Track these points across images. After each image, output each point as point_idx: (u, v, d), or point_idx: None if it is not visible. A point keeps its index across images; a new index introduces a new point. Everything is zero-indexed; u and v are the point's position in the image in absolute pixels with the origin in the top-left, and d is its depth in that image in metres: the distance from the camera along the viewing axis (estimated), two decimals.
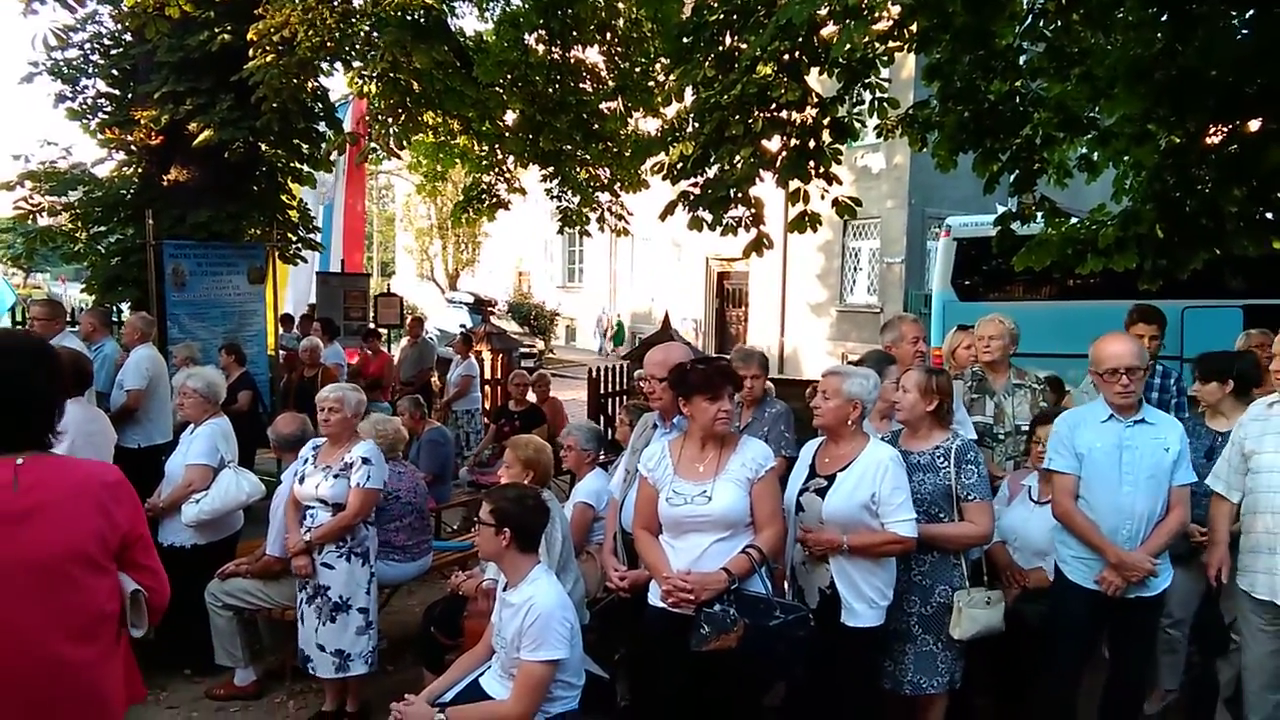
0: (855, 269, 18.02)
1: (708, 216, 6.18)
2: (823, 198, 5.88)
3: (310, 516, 3.93)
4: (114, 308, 8.10)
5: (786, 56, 5.47)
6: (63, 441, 3.84)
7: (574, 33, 8.71)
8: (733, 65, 5.69)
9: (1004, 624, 3.20)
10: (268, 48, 6.50)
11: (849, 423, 3.14)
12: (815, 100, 5.65)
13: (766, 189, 6.24)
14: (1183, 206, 5.26)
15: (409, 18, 6.77)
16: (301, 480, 4.01)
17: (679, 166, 6.39)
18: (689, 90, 6.40)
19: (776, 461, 3.14)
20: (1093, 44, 5.52)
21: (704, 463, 3.02)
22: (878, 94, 6.02)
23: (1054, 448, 3.33)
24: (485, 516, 2.95)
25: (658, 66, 8.98)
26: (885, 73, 6.14)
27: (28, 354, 2.02)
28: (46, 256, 10.46)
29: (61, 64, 8.10)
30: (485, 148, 9.84)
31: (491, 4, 9.14)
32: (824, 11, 4.91)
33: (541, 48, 8.96)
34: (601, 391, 9.35)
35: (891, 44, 5.79)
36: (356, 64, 7.30)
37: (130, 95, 8.18)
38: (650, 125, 9.79)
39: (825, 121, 5.74)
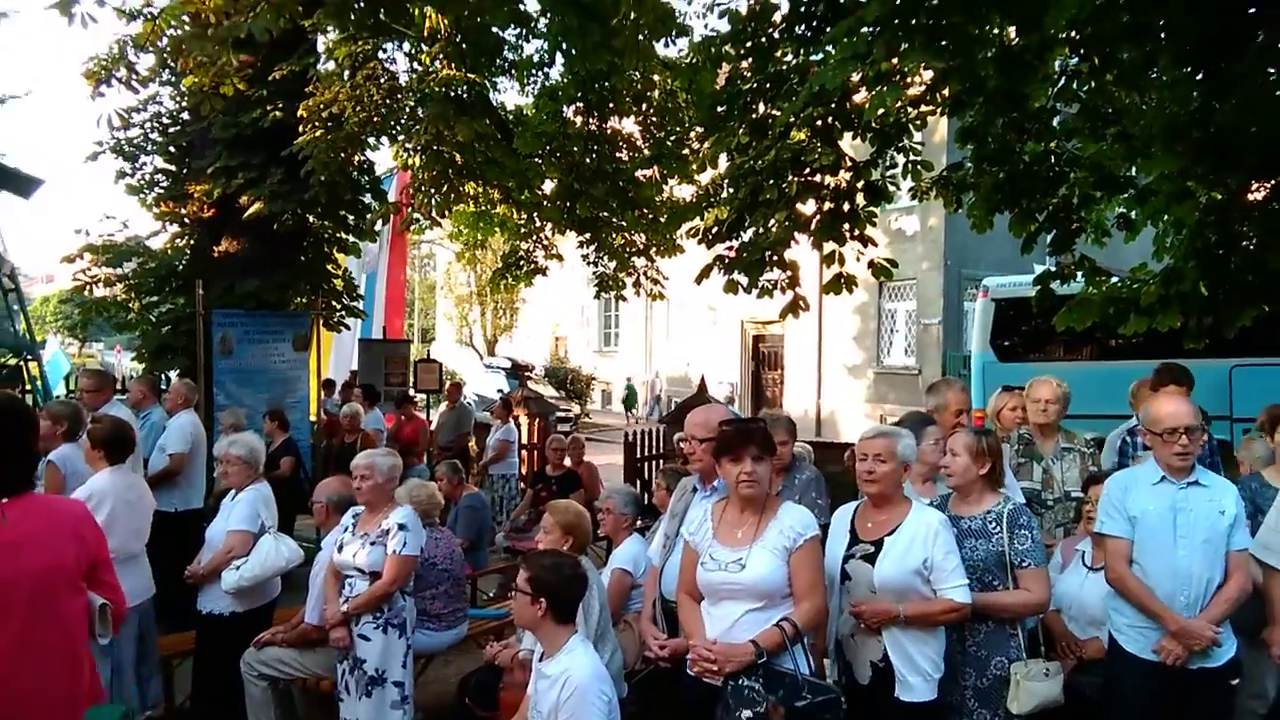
0: (892, 330, 17.91)
1: (743, 280, 6.21)
2: (858, 260, 5.89)
3: (349, 585, 3.90)
4: (163, 376, 8.31)
5: (820, 122, 5.56)
6: (103, 509, 3.92)
7: (610, 104, 8.95)
8: (766, 132, 5.78)
9: (1063, 697, 3.05)
10: (317, 124, 6.76)
11: (900, 486, 3.08)
12: (849, 164, 5.71)
13: (802, 252, 6.27)
14: (1227, 263, 5.18)
15: (452, 93, 7.01)
16: (340, 549, 4.01)
17: (714, 231, 6.45)
18: (723, 157, 6.50)
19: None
20: (1127, 104, 5.53)
21: (743, 528, 2.95)
22: (911, 157, 6.06)
23: (1105, 511, 3.21)
24: (522, 585, 2.89)
25: (692, 135, 9.16)
26: (918, 136, 6.20)
27: (14, 413, 2.36)
28: (101, 326, 10.82)
29: (123, 142, 8.51)
30: (524, 216, 10.07)
31: (532, 79, 9.44)
32: (856, 77, 4.99)
33: (579, 119, 9.22)
34: (638, 455, 9.32)
35: (924, 108, 5.85)
36: (401, 138, 7.55)
37: (185, 171, 8.53)
38: (685, 192, 9.94)
39: (859, 185, 5.79)
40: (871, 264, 5.94)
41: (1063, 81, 5.60)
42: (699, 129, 8.31)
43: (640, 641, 3.60)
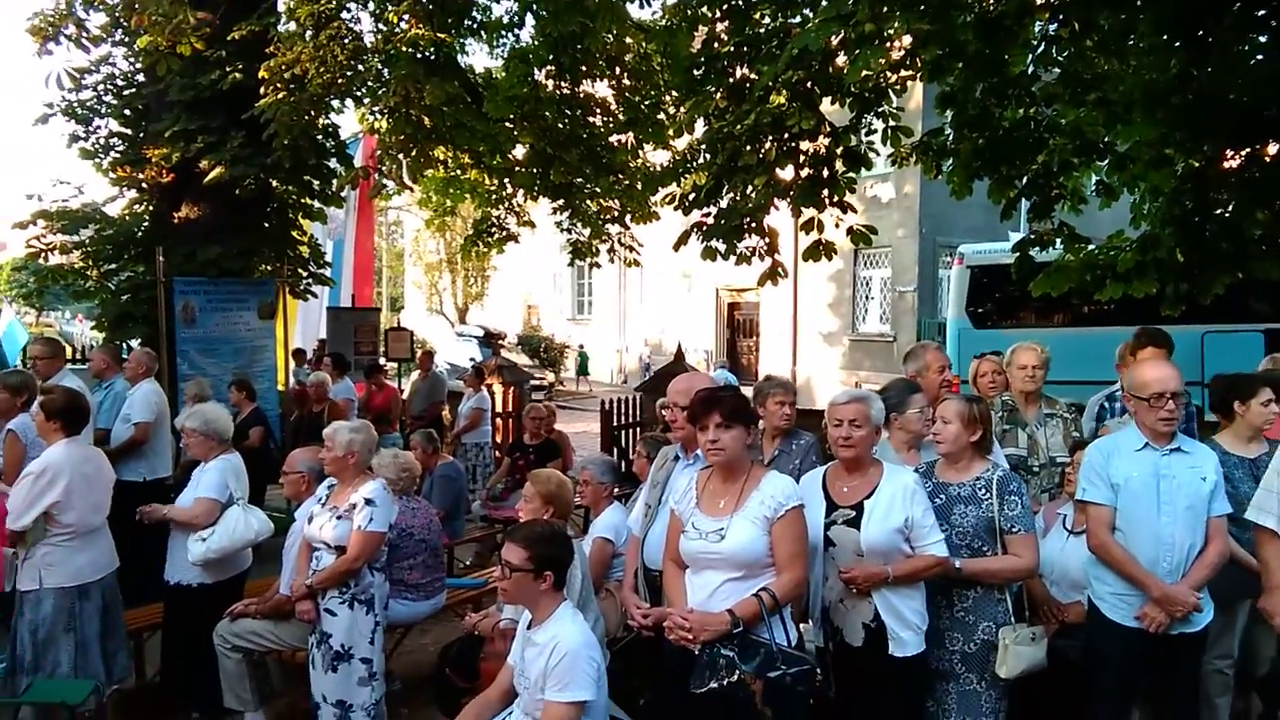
0: (867, 298, 17.98)
1: (721, 247, 6.14)
2: (836, 226, 5.84)
3: (316, 559, 3.82)
4: (124, 345, 8.09)
5: (800, 86, 5.46)
6: (59, 482, 3.80)
7: (583, 67, 8.76)
8: (745, 95, 5.68)
9: (1046, 661, 3.08)
10: (279, 85, 6.53)
11: (873, 450, 3.06)
12: (828, 129, 5.63)
13: (779, 218, 6.20)
14: (1203, 230, 5.20)
15: (419, 54, 6.80)
16: (310, 520, 3.92)
17: (691, 197, 6.37)
18: (700, 121, 6.40)
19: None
20: (1107, 70, 5.50)
21: (725, 498, 2.92)
22: (890, 122, 6.00)
23: (1086, 478, 3.21)
24: (522, 564, 2.80)
25: (668, 99, 9.01)
26: (896, 101, 6.14)
27: None
28: (58, 295, 10.52)
29: (75, 105, 8.18)
30: (495, 182, 9.87)
31: (501, 41, 9.21)
32: (837, 40, 4.90)
33: (551, 83, 9.02)
34: (615, 424, 9.29)
35: (904, 72, 5.78)
36: (366, 100, 7.33)
37: (142, 134, 8.25)
38: (661, 157, 9.81)
39: (838, 150, 5.72)
40: (850, 230, 5.90)
41: (1042, 47, 5.55)
42: (675, 93, 8.18)
43: (622, 609, 3.58)
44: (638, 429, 9.32)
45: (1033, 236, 5.93)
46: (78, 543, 4.02)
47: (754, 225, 6.03)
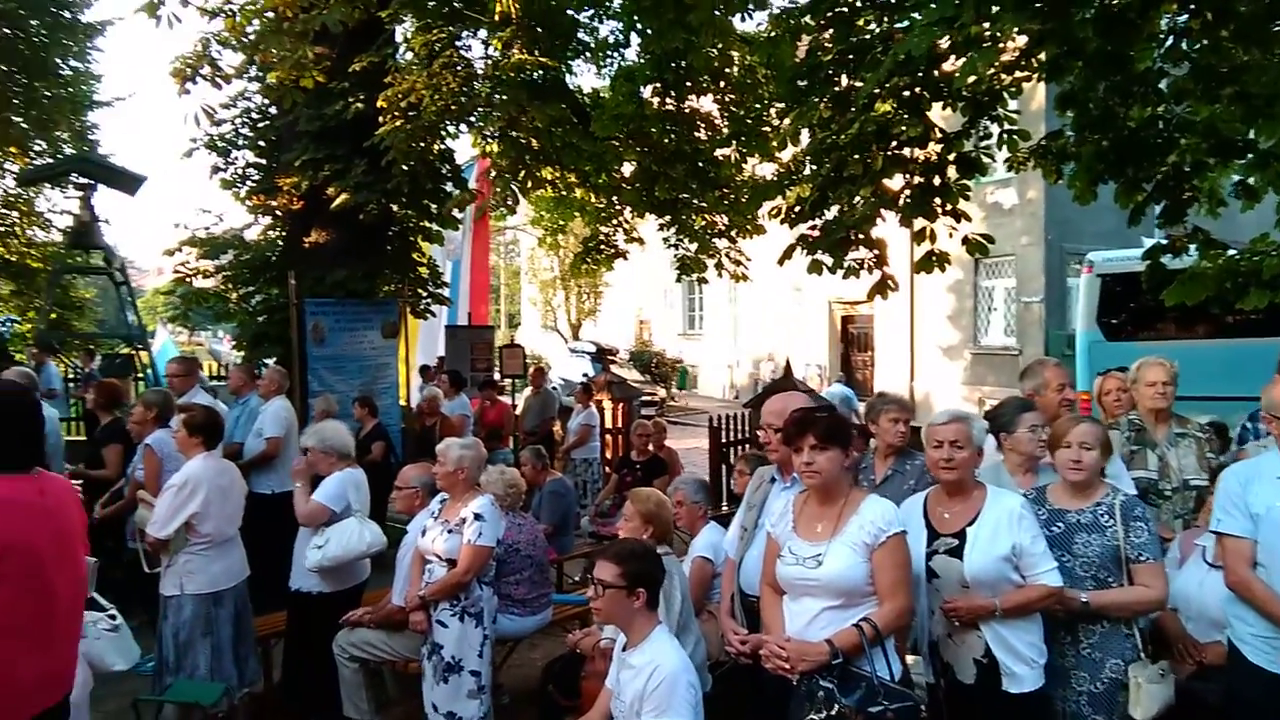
0: (990, 309, 17.20)
1: (827, 260, 6.02)
2: (950, 236, 5.62)
3: (429, 571, 3.95)
4: (261, 363, 8.63)
5: (906, 92, 5.30)
6: (199, 494, 4.06)
7: (688, 83, 8.78)
8: (849, 104, 5.55)
9: (1175, 700, 2.85)
10: (396, 114, 6.84)
11: (975, 473, 2.92)
12: (938, 136, 5.44)
13: (890, 229, 6.02)
14: None
15: (526, 78, 6.99)
16: (424, 533, 4.06)
17: (796, 209, 6.26)
18: (804, 132, 6.29)
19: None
20: (1246, 61, 5.07)
21: (823, 523, 2.83)
22: (1006, 126, 5.74)
23: (1222, 507, 2.92)
24: (614, 580, 2.80)
25: (772, 111, 8.93)
26: (1014, 104, 5.86)
27: (26, 404, 2.70)
28: (204, 316, 11.36)
29: (216, 138, 8.83)
30: (603, 199, 10.02)
31: (608, 61, 9.36)
32: (945, 44, 4.72)
33: (656, 100, 9.09)
34: (723, 440, 9.21)
35: (1019, 74, 5.51)
36: (478, 124, 7.59)
37: (275, 164, 8.79)
38: (766, 170, 9.72)
39: (950, 157, 5.50)
40: (965, 240, 5.66)
41: (1171, 40, 5.17)
42: (779, 104, 8.09)
43: (724, 638, 3.54)
44: (747, 446, 9.22)
45: (1164, 242, 5.53)
46: (214, 552, 4.30)
47: (861, 237, 5.88)
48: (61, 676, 2.66)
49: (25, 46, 13.67)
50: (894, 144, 5.41)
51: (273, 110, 8.80)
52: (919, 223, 5.67)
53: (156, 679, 4.22)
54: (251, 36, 6.20)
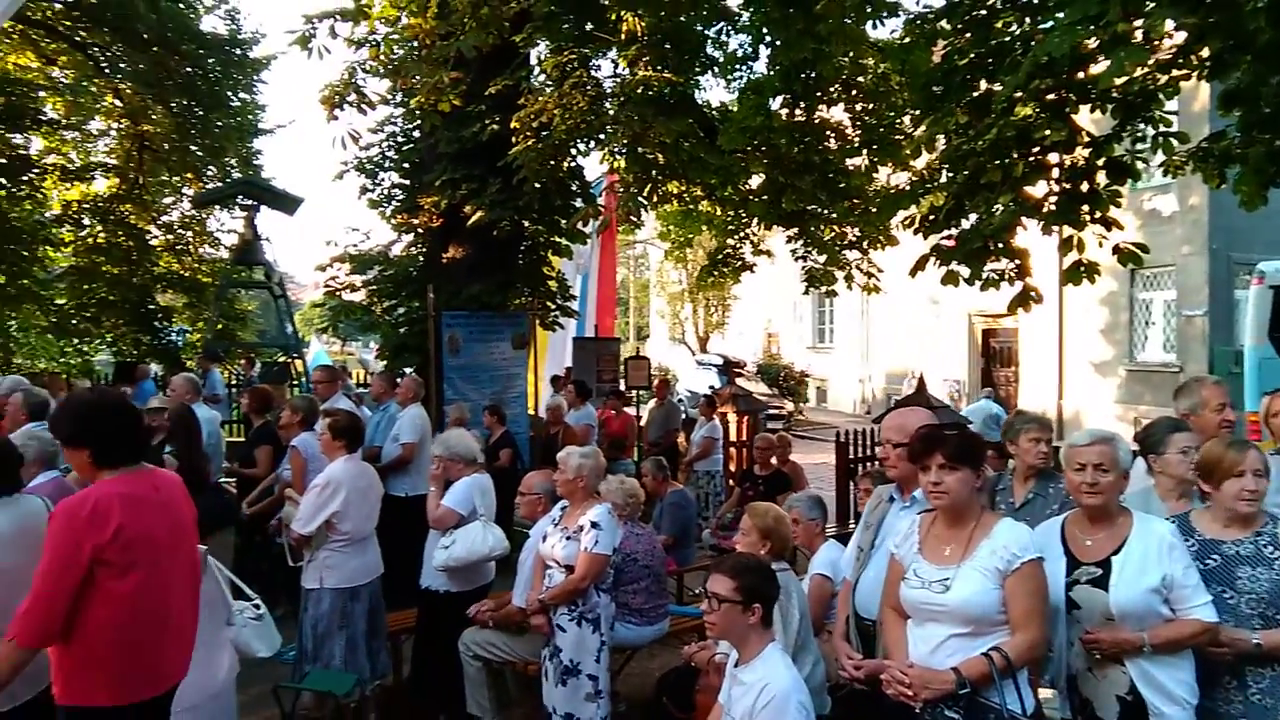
0: (1147, 323, 16.00)
1: (964, 271, 5.76)
2: (1100, 245, 5.27)
3: (548, 576, 4.03)
4: (402, 372, 9.08)
5: (1049, 95, 5.02)
6: (340, 494, 4.29)
7: (817, 93, 8.63)
8: (987, 109, 5.31)
9: None
10: (528, 134, 7.06)
11: (1121, 498, 2.72)
12: (1086, 139, 5.11)
13: (1034, 239, 5.71)
14: None
15: (653, 95, 7.07)
16: (544, 538, 4.15)
17: (930, 218, 6.05)
18: (940, 139, 6.07)
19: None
20: None
21: (951, 545, 2.69)
22: (1162, 128, 5.33)
23: None
24: (729, 594, 2.77)
25: (905, 119, 8.65)
26: (1174, 104, 5.43)
27: (130, 408, 2.93)
28: (352, 326, 12.11)
29: (364, 161, 9.42)
30: (729, 212, 9.98)
31: (737, 75, 9.33)
32: (1091, 43, 4.44)
33: (785, 111, 8.98)
34: (850, 456, 8.96)
35: (1176, 72, 5.11)
36: (605, 141, 7.74)
37: (417, 184, 9.27)
38: (899, 179, 9.42)
39: (1099, 162, 5.16)
40: (1117, 249, 5.30)
41: None
42: (913, 111, 7.82)
43: (838, 662, 3.42)
44: (876, 462, 8.93)
45: None
46: (352, 549, 4.54)
47: (1000, 246, 5.59)
48: (181, 661, 2.88)
49: (203, 83, 15.01)
50: (1036, 149, 5.13)
51: (415, 134, 9.30)
52: (1066, 231, 5.35)
53: (296, 667, 4.48)
54: (394, 64, 6.57)
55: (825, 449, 13.88)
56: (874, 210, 9.11)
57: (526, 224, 8.94)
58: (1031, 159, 5.19)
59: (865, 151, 8.87)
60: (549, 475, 4.53)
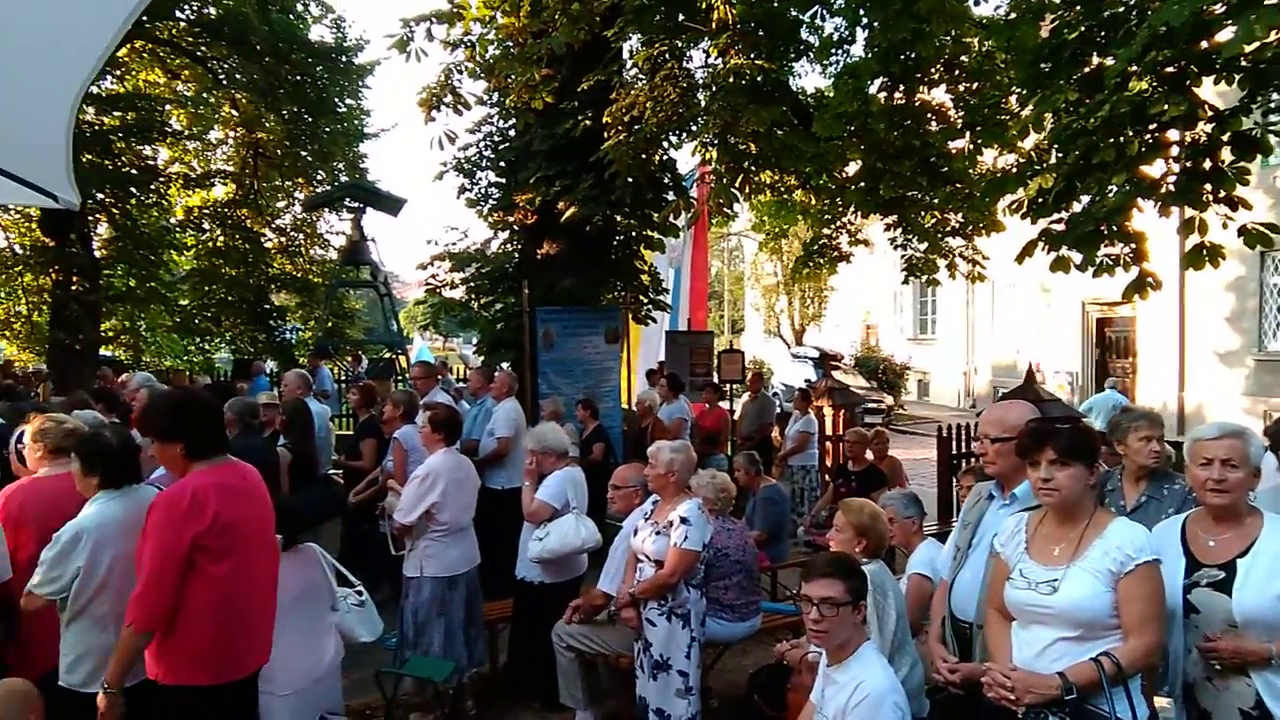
0: (1278, 309, 14.87)
1: (1076, 256, 5.48)
2: (1224, 226, 4.90)
3: (640, 570, 4.04)
4: (498, 366, 9.28)
5: (1168, 67, 4.69)
6: (439, 485, 4.40)
7: (917, 74, 8.34)
8: (1099, 85, 5.02)
9: None
10: (620, 128, 7.08)
11: (1251, 497, 2.52)
12: (1208, 114, 4.76)
13: (1151, 221, 5.37)
14: None
15: (745, 83, 6.96)
16: (636, 532, 4.16)
17: (1039, 202, 5.76)
18: (1048, 118, 5.78)
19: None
20: None
21: (1060, 545, 2.56)
22: None
23: None
24: (841, 595, 2.69)
25: (1012, 99, 8.26)
26: None
27: (211, 405, 3.09)
28: (452, 323, 12.48)
29: (462, 161, 9.65)
30: (825, 201, 9.76)
31: (833, 59, 9.10)
32: (1218, 8, 4.13)
33: (883, 95, 8.71)
34: (953, 451, 8.66)
35: None
36: (697, 132, 7.69)
37: (512, 182, 9.45)
38: (1004, 161, 9.02)
39: (1224, 137, 4.80)
40: (1244, 230, 4.92)
41: None
42: (1019, 90, 7.47)
43: (933, 664, 3.31)
44: (978, 458, 8.59)
45: None
46: (450, 539, 4.67)
47: (1115, 230, 5.28)
48: (264, 644, 3.03)
49: (311, 90, 15.72)
50: (1153, 126, 4.81)
51: (510, 133, 9.48)
52: (1187, 212, 5.00)
53: (397, 653, 4.64)
54: (489, 63, 6.69)
55: (926, 444, 13.46)
56: (978, 195, 8.75)
57: (619, 218, 8.98)
58: (1148, 136, 4.88)
59: (968, 134, 8.51)
60: (641, 469, 4.52)
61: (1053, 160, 6.11)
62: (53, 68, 2.23)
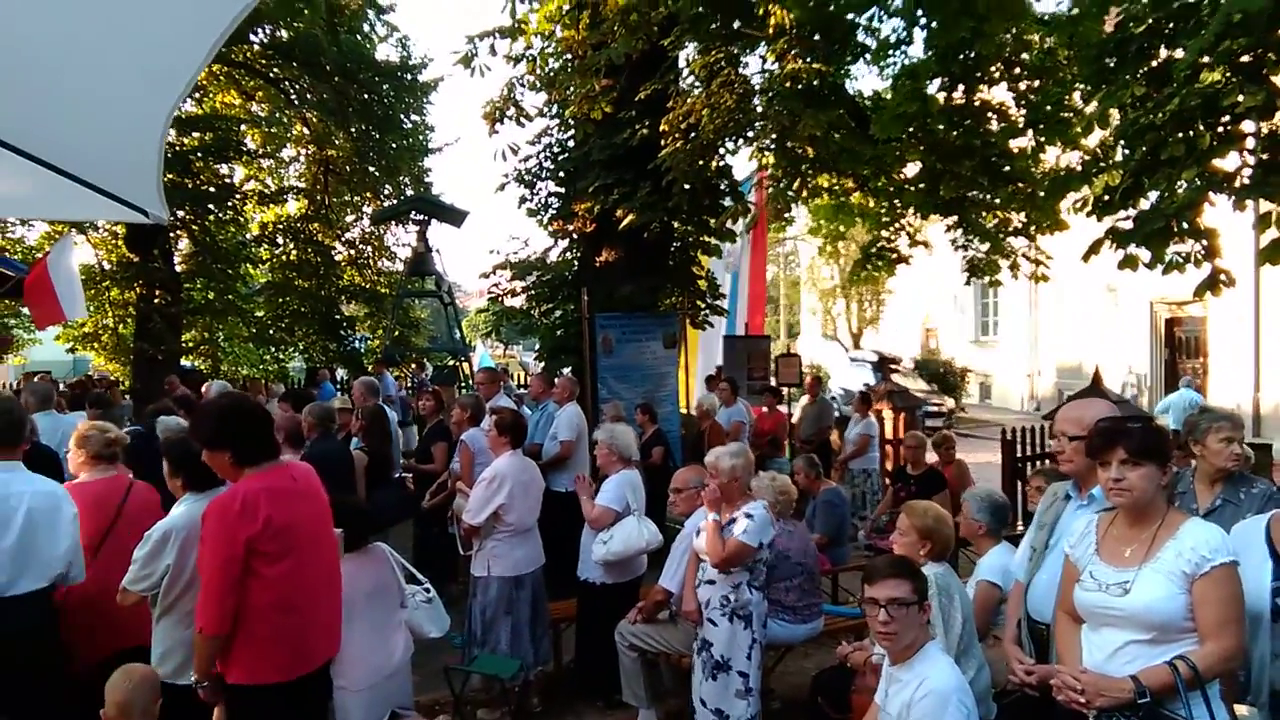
0: None
1: (1144, 254, 5.36)
2: None
3: (702, 570, 4.08)
4: (558, 372, 9.43)
5: (1243, 57, 4.58)
6: (505, 488, 4.51)
7: (977, 73, 8.22)
8: (1168, 78, 4.91)
9: None
10: (677, 135, 7.16)
11: None
12: None
13: (1224, 216, 5.22)
14: None
15: (802, 87, 6.98)
16: (698, 533, 4.20)
17: (1105, 199, 5.66)
18: (1114, 113, 5.66)
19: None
20: None
21: (1132, 546, 2.52)
22: None
23: None
24: (908, 594, 2.71)
25: (1075, 95, 8.10)
26: None
27: (260, 410, 3.16)
28: (513, 330, 12.70)
29: (523, 173, 9.84)
30: (883, 203, 9.68)
31: (890, 61, 9.04)
32: None
33: (942, 95, 8.61)
34: (1018, 455, 8.49)
35: None
36: (753, 138, 7.72)
37: (572, 192, 9.60)
38: (1068, 159, 8.83)
39: None
40: None
41: None
42: (1083, 86, 7.32)
43: (1008, 666, 3.28)
44: (1045, 461, 8.41)
45: None
46: (516, 539, 4.79)
47: (1185, 226, 5.15)
48: (330, 638, 3.13)
49: (378, 108, 16.17)
50: (1225, 118, 4.70)
51: (570, 144, 9.64)
52: (1263, 206, 4.86)
53: (465, 650, 4.76)
54: (549, 76, 6.83)
55: (988, 447, 13.19)
56: (1041, 193, 8.60)
57: (676, 225, 9.05)
58: (1220, 129, 4.76)
59: (1030, 131, 8.37)
60: (700, 470, 4.57)
61: (1119, 157, 5.98)
62: (144, 89, 2.34)
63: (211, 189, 14.78)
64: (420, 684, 4.59)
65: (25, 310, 14.96)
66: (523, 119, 7.26)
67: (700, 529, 4.20)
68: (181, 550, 3.28)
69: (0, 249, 12.78)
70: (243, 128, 16.19)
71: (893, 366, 19.35)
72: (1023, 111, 8.54)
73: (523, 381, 15.22)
